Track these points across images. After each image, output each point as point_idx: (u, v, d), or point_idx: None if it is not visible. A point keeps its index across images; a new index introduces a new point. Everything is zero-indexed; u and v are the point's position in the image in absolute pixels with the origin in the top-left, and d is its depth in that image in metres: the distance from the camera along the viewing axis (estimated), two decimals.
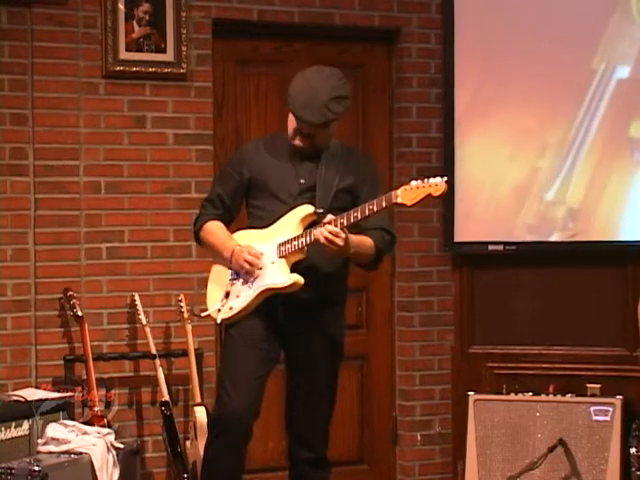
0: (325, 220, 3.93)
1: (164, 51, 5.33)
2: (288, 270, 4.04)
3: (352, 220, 3.92)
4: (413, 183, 3.86)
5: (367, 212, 3.90)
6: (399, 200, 3.85)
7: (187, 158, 5.41)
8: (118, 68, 5.26)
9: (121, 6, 5.26)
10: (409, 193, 3.84)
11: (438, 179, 3.84)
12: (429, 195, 3.83)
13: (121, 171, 5.31)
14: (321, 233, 3.92)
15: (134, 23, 5.30)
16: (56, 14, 5.17)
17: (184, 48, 5.35)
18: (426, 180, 3.85)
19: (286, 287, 4.03)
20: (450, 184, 5.61)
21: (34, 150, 5.17)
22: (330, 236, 3.90)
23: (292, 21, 5.58)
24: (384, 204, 3.88)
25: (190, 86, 5.41)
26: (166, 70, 5.35)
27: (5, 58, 5.11)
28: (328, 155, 4.15)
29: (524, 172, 5.69)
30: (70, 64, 5.21)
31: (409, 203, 3.85)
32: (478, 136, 5.73)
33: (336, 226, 3.91)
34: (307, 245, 4.01)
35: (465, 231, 5.73)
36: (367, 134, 5.85)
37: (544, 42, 5.64)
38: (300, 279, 4.01)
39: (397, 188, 3.89)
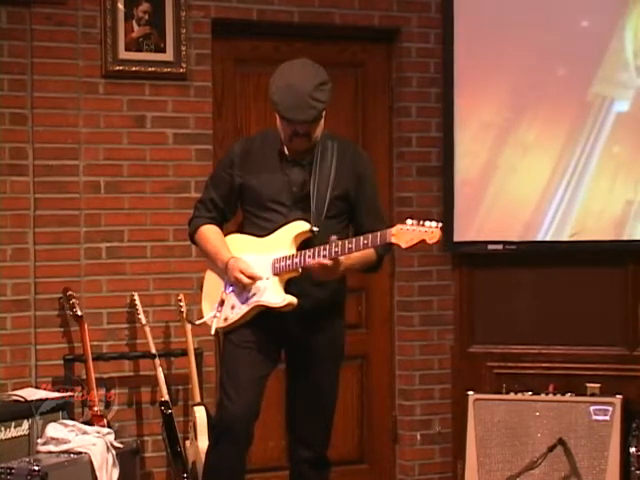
0: (328, 242, 3.91)
1: (163, 51, 5.33)
2: (282, 289, 4.03)
3: (346, 251, 3.91)
4: (409, 222, 3.82)
5: (362, 246, 3.88)
6: (393, 240, 3.83)
7: (187, 158, 5.41)
8: (117, 68, 5.26)
9: (120, 6, 5.26)
10: (404, 234, 3.81)
11: (434, 224, 3.81)
12: (423, 241, 3.81)
13: (121, 171, 5.31)
14: (313, 266, 3.92)
15: (133, 23, 5.30)
16: (55, 14, 5.17)
17: (183, 48, 5.35)
18: (422, 223, 3.81)
19: (279, 307, 4.02)
20: (449, 183, 5.72)
21: (34, 150, 5.17)
22: (321, 271, 3.92)
23: (292, 21, 5.58)
24: (378, 241, 3.86)
25: (189, 86, 5.41)
26: (165, 70, 5.35)
27: (4, 58, 5.11)
28: (319, 155, 4.10)
29: (523, 172, 5.69)
30: (69, 64, 5.21)
31: (403, 246, 3.83)
32: (478, 135, 5.73)
33: (331, 257, 3.90)
34: (302, 267, 4.00)
35: (465, 231, 5.73)
36: (367, 133, 5.85)
37: (545, 40, 5.64)
38: (293, 300, 4.00)
39: (392, 226, 3.86)
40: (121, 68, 5.27)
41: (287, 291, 4.04)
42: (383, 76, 5.88)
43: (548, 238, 5.66)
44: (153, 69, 5.33)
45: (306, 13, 5.60)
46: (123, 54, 5.27)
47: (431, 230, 3.80)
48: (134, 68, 5.29)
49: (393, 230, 3.83)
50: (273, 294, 4.03)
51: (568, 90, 5.63)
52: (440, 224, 3.82)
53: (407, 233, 3.81)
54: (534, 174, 5.67)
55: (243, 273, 4.04)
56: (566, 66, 5.63)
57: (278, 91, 3.99)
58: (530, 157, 5.68)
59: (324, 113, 4.06)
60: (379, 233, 3.86)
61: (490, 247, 5.71)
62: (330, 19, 5.65)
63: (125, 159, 5.32)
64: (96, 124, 5.27)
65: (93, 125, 5.26)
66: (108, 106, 5.28)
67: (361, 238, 3.89)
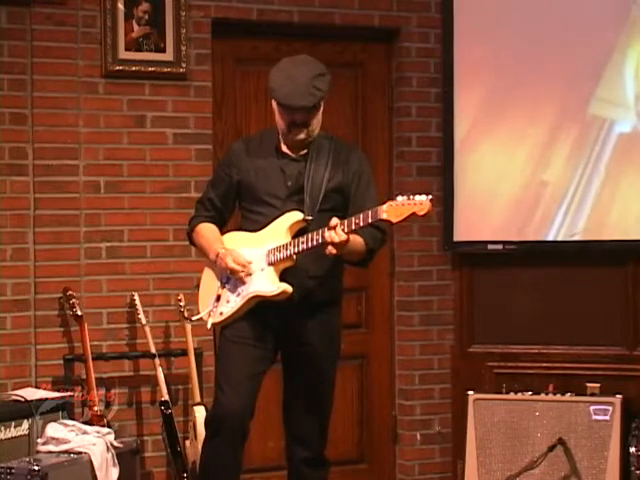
0: (331, 224, 3.91)
1: (163, 50, 5.33)
2: (277, 278, 4.05)
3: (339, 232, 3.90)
4: (399, 199, 3.85)
5: (353, 226, 3.89)
6: (384, 216, 3.84)
7: (186, 157, 5.41)
8: (117, 68, 5.26)
9: (120, 5, 5.26)
10: (395, 209, 3.83)
11: (423, 197, 3.83)
12: (414, 214, 3.82)
13: (121, 170, 5.31)
14: (329, 237, 3.90)
15: (133, 22, 5.30)
16: (55, 14, 5.18)
17: (183, 47, 5.36)
18: (411, 197, 3.83)
19: (274, 295, 4.03)
20: (449, 183, 5.72)
21: (33, 149, 5.17)
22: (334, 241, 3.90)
23: (291, 20, 5.59)
24: (370, 219, 3.87)
25: (189, 85, 5.41)
26: (165, 70, 5.35)
27: (4, 58, 5.11)
28: (315, 150, 4.13)
29: (523, 171, 5.68)
30: (69, 64, 5.22)
31: (394, 220, 3.84)
32: (477, 135, 5.73)
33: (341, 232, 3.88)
34: (296, 254, 4.01)
35: (465, 230, 5.73)
36: (367, 133, 5.85)
37: (544, 42, 5.64)
38: (288, 288, 4.02)
39: (384, 203, 3.88)
40: (121, 68, 5.27)
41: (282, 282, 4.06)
42: (383, 76, 5.88)
43: (548, 238, 5.66)
44: (153, 69, 5.33)
45: (306, 13, 5.60)
46: (123, 54, 5.27)
47: (420, 202, 3.81)
48: (134, 68, 5.30)
49: (384, 207, 3.84)
50: (267, 283, 4.04)
51: (568, 89, 5.63)
52: (430, 196, 3.83)
53: (397, 208, 3.83)
54: (535, 173, 5.67)
55: (235, 261, 4.05)
56: (566, 64, 5.62)
57: (277, 81, 4.04)
58: (531, 156, 5.67)
59: (322, 107, 4.09)
60: (370, 210, 3.87)
61: (490, 247, 5.71)
62: (330, 19, 5.65)
63: (125, 159, 5.32)
64: (96, 124, 5.27)
65: (93, 125, 5.26)
66: (108, 106, 5.28)
67: (352, 218, 3.90)
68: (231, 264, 4.07)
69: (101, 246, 5.27)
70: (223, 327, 4.18)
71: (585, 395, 5.38)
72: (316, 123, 4.11)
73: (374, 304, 5.90)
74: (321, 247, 3.94)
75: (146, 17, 5.32)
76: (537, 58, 5.64)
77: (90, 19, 5.25)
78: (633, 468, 5.16)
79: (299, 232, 4.06)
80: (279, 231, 4.07)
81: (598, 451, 5.23)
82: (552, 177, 5.64)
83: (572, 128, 5.61)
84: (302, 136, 4.09)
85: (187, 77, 5.40)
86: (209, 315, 4.17)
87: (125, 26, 5.28)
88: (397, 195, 3.89)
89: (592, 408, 5.27)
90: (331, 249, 3.90)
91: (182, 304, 5.24)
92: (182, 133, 5.41)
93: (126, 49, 5.28)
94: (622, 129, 5.54)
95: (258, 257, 4.08)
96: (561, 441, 5.26)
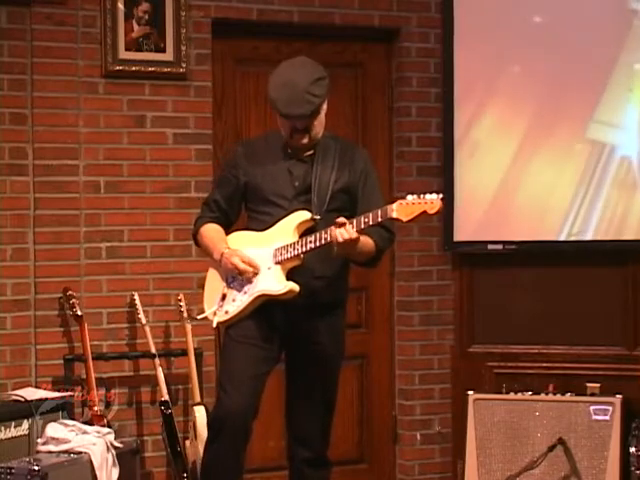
0: (339, 221, 3.91)
1: (163, 50, 5.33)
2: (284, 277, 4.04)
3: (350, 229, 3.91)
4: (409, 198, 3.85)
5: (362, 225, 3.89)
6: (395, 215, 3.84)
7: (186, 157, 5.41)
8: (117, 67, 5.26)
9: (120, 5, 5.26)
10: (405, 208, 3.84)
11: (434, 196, 3.83)
12: (424, 212, 3.83)
13: (121, 170, 5.31)
14: (340, 235, 3.89)
15: (133, 22, 5.30)
16: (55, 13, 5.18)
17: (183, 48, 5.36)
18: (422, 196, 3.84)
19: (281, 294, 4.03)
20: (449, 183, 5.72)
21: (33, 149, 5.17)
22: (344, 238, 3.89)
23: (291, 20, 5.59)
24: (379, 218, 3.88)
25: (189, 85, 5.41)
26: (165, 70, 5.35)
27: (4, 57, 5.11)
28: (321, 151, 4.14)
29: (523, 171, 5.68)
30: (69, 64, 5.22)
31: (404, 219, 3.85)
32: (477, 135, 5.73)
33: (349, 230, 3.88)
34: (304, 253, 4.01)
35: (465, 230, 5.73)
36: (367, 133, 5.86)
37: (544, 42, 5.64)
38: (295, 287, 4.01)
39: (393, 202, 3.88)
40: (121, 68, 5.27)
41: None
42: (383, 76, 5.88)
43: (548, 238, 5.66)
44: (153, 69, 5.33)
45: (306, 13, 5.60)
46: (123, 54, 5.27)
47: (431, 201, 3.82)
48: (134, 68, 5.30)
49: (394, 206, 3.85)
50: (274, 282, 4.04)
51: (569, 88, 5.63)
52: (441, 195, 3.83)
53: (408, 207, 3.84)
54: (535, 173, 5.67)
55: (244, 262, 4.05)
56: (567, 64, 5.62)
57: (275, 88, 4.03)
58: (530, 156, 5.67)
59: (324, 109, 4.09)
60: (380, 210, 3.87)
61: (490, 247, 5.71)
62: (330, 19, 5.65)
63: (125, 159, 5.32)
64: (96, 124, 5.27)
65: (93, 125, 5.26)
66: (108, 106, 5.28)
67: (362, 217, 3.90)
68: (242, 266, 4.06)
69: (101, 246, 5.27)
70: (228, 326, 4.17)
71: (585, 395, 5.38)
72: (318, 126, 4.11)
73: (374, 304, 5.90)
74: (329, 247, 3.94)
75: (146, 17, 5.32)
76: (539, 55, 5.63)
77: (90, 19, 5.25)
78: (633, 468, 5.16)
79: (306, 231, 4.05)
80: (286, 230, 4.07)
81: (598, 451, 5.23)
82: (554, 173, 5.64)
83: (574, 121, 5.61)
84: (305, 141, 4.10)
85: (187, 77, 5.40)
86: (214, 314, 4.17)
87: (125, 26, 5.28)
88: (407, 194, 3.88)
89: (592, 408, 5.27)
90: (337, 242, 3.86)
91: (182, 304, 5.24)
92: (182, 133, 5.41)
93: (126, 49, 5.28)
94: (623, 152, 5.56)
95: (265, 256, 4.07)
96: (561, 441, 5.26)
